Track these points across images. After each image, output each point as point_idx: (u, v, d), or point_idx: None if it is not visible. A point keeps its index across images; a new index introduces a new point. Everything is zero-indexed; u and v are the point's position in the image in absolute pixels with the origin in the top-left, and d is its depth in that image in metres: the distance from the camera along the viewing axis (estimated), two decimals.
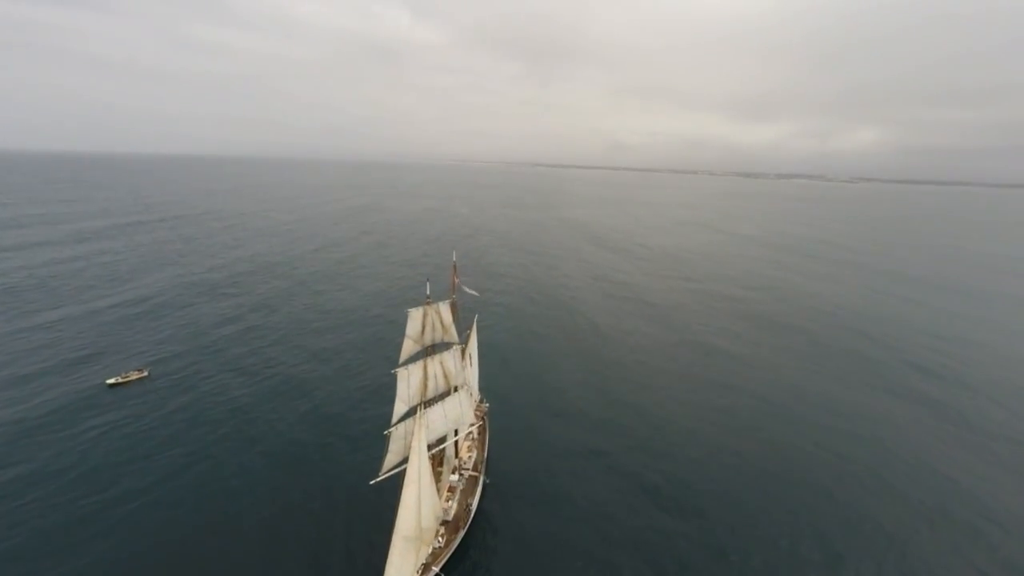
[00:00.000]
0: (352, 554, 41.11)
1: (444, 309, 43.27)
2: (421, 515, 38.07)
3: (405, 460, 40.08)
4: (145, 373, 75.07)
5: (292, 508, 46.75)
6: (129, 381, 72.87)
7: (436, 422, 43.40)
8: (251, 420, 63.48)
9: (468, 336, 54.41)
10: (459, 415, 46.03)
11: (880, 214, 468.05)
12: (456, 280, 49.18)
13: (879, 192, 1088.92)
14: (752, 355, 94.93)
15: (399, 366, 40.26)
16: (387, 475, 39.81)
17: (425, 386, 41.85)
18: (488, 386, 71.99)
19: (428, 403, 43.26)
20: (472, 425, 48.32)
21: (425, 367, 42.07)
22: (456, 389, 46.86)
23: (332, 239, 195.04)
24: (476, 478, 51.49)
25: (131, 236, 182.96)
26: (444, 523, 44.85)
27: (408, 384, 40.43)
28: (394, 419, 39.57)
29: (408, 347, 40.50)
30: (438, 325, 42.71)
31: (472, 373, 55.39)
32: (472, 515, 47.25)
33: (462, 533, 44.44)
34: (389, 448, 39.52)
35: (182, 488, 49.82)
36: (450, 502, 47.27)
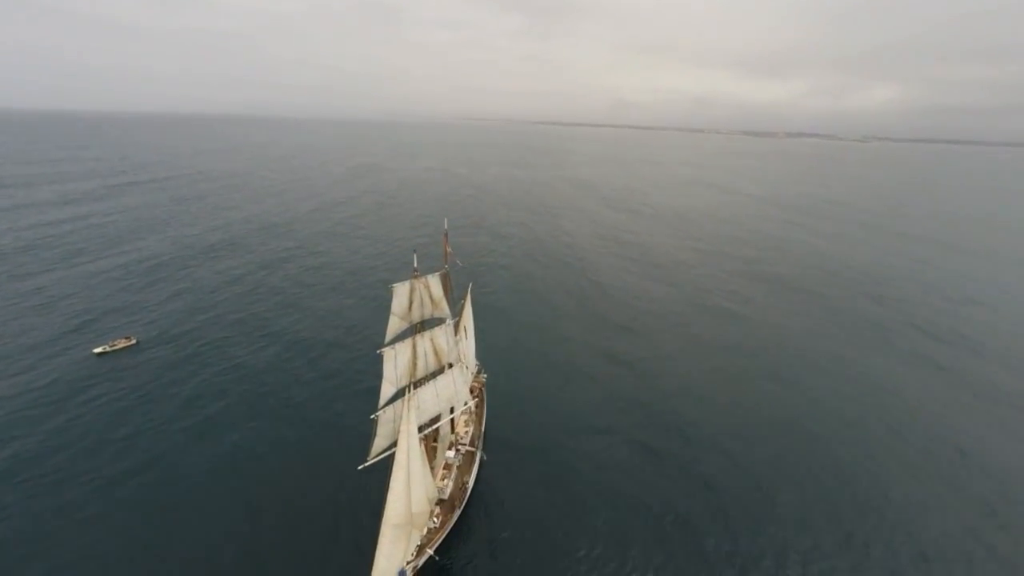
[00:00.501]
0: (343, 541, 39.52)
1: (434, 282, 39.65)
2: (412, 500, 36.07)
3: (395, 444, 37.70)
4: (133, 341, 72.72)
5: (281, 490, 45.03)
6: (117, 350, 70.64)
7: (428, 403, 40.79)
8: (243, 392, 61.45)
9: (462, 306, 51.11)
10: (453, 394, 43.41)
11: (893, 174, 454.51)
12: (448, 250, 45.30)
13: (893, 151, 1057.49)
14: (761, 317, 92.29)
15: (385, 345, 37.12)
16: (376, 459, 37.54)
17: (414, 365, 38.89)
18: (487, 354, 69.55)
19: (418, 383, 40.48)
20: (467, 403, 45.84)
21: (414, 345, 38.96)
22: (450, 366, 44.03)
23: (329, 200, 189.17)
24: (473, 454, 49.64)
25: (119, 198, 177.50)
26: (440, 502, 43.23)
27: (395, 364, 37.45)
28: (381, 402, 36.87)
29: (394, 325, 37.21)
30: (427, 300, 39.23)
31: (468, 346, 52.49)
32: (469, 493, 45.64)
33: (458, 512, 42.83)
34: (377, 432, 37.06)
35: (164, 471, 48.04)
36: (446, 480, 45.52)
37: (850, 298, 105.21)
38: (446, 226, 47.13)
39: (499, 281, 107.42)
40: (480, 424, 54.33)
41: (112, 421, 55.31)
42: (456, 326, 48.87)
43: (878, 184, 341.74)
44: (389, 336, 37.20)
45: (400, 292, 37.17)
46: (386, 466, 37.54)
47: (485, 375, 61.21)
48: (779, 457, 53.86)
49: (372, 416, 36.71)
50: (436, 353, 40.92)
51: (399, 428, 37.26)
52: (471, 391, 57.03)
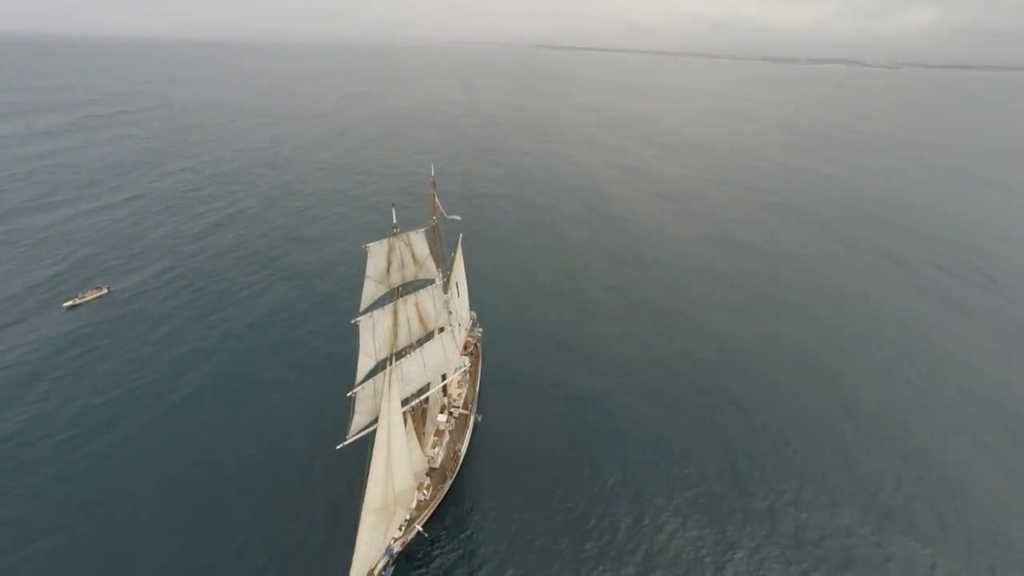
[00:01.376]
0: (321, 527, 36.66)
1: (417, 240, 33.71)
2: (394, 481, 32.84)
3: (376, 420, 33.83)
4: (104, 291, 68.07)
5: (255, 467, 41.91)
6: (88, 301, 66.17)
7: (414, 373, 36.48)
8: (219, 350, 57.58)
9: (452, 260, 45.45)
10: (443, 360, 39.03)
11: (924, 101, 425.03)
12: (436, 200, 38.78)
13: (926, 78, 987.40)
14: (779, 251, 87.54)
15: (360, 314, 31.98)
16: (356, 437, 33.85)
17: (395, 334, 34.02)
18: (485, 301, 65.27)
19: (401, 353, 35.89)
20: (460, 368, 41.65)
21: (395, 312, 33.85)
22: (440, 331, 39.26)
23: (318, 136, 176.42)
24: (467, 417, 46.44)
25: (88, 133, 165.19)
26: (431, 471, 40.46)
27: (373, 335, 32.57)
28: (359, 377, 32.44)
29: (370, 290, 31.84)
30: (409, 260, 33.53)
31: (460, 304, 47.47)
32: (462, 460, 42.86)
33: (450, 482, 40.11)
34: (356, 409, 33.01)
35: (130, 440, 44.84)
36: (437, 449, 42.51)
37: (872, 232, 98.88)
38: (432, 173, 40.20)
39: (501, 215, 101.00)
40: (475, 384, 50.75)
41: (84, 379, 51.98)
42: (446, 284, 43.54)
43: (906, 113, 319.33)
44: (365, 303, 31.97)
45: (376, 252, 31.40)
46: (368, 443, 33.99)
47: (481, 329, 56.82)
48: (798, 398, 51.97)
49: (349, 394, 32.44)
50: (422, 319, 35.93)
51: (380, 404, 33.24)
52: (465, 346, 52.97)
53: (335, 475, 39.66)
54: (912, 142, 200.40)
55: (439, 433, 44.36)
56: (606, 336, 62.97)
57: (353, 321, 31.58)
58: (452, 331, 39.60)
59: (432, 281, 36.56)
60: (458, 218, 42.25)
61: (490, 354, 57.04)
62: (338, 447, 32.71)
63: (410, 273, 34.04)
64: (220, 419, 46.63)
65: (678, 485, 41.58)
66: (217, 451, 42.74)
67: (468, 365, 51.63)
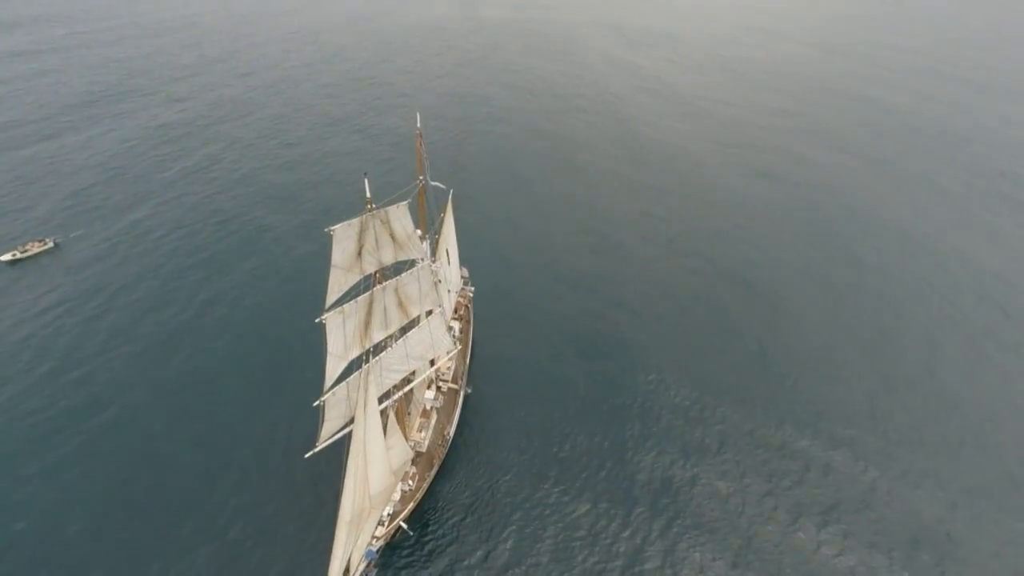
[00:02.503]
0: (292, 538, 33.51)
1: (397, 216, 26.44)
2: (370, 487, 29.26)
3: (351, 421, 29.32)
4: (50, 243, 59.07)
5: (221, 460, 37.74)
6: (31, 255, 57.49)
7: (395, 365, 31.31)
8: (177, 317, 50.73)
9: (441, 222, 38.14)
10: (429, 346, 33.77)
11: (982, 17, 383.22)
12: (422, 155, 30.56)
13: None
14: (812, 180, 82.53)
15: (326, 310, 25.75)
16: (328, 443, 29.51)
17: (370, 327, 28.17)
18: (478, 249, 59.32)
19: (380, 347, 30.35)
20: (451, 350, 36.56)
21: (370, 303, 27.64)
22: (428, 313, 33.46)
23: (298, 68, 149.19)
24: (456, 392, 42.63)
25: (36, 59, 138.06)
26: (417, 455, 37.35)
27: (343, 332, 26.71)
28: (327, 383, 27.14)
29: (337, 280, 25.31)
30: (387, 241, 26.57)
31: (451, 270, 41.11)
32: (451, 442, 39.74)
33: (437, 467, 37.23)
34: (326, 416, 28.19)
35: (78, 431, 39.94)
36: (423, 432, 39.05)
37: (913, 160, 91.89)
38: (419, 124, 31.30)
39: (504, 145, 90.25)
40: (466, 352, 46.25)
41: (25, 343, 46.09)
42: (434, 250, 36.78)
43: (967, 31, 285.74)
44: (331, 296, 25.59)
45: (343, 236, 24.33)
46: (344, 444, 29.81)
47: (472, 289, 51.02)
48: (831, 346, 51.03)
49: (316, 403, 27.33)
50: (403, 305, 29.91)
51: (355, 405, 28.47)
52: (455, 310, 47.67)
53: (306, 481, 35.86)
54: (969, 61, 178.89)
55: (426, 414, 40.63)
56: (622, 285, 58.46)
57: (318, 319, 25.47)
58: (442, 312, 33.79)
59: (417, 261, 29.90)
60: (441, 186, 34.18)
61: (485, 314, 51.95)
62: (307, 455, 28.44)
63: (388, 256, 27.27)
64: (176, 420, 40.83)
65: (693, 458, 39.46)
66: (167, 459, 38.15)
67: (458, 333, 46.76)
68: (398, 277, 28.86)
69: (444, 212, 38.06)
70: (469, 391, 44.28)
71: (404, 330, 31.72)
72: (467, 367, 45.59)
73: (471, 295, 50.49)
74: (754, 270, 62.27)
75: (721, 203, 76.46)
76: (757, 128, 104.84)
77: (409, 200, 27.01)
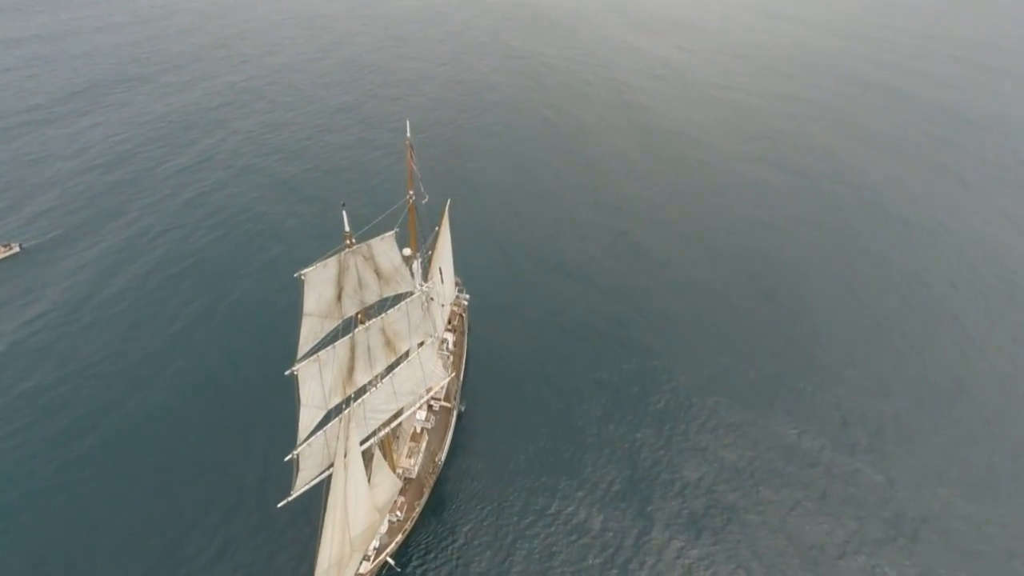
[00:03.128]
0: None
1: (383, 248, 22.56)
2: (350, 530, 26.55)
3: (330, 466, 26.32)
4: (16, 248, 53.63)
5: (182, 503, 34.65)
6: None
7: (381, 405, 28.09)
8: (154, 353, 45.53)
9: (436, 236, 34.14)
10: (420, 381, 30.47)
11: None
12: (413, 170, 26.31)
13: None
14: (829, 169, 78.94)
15: (298, 361, 22.20)
16: (303, 490, 26.52)
17: (352, 371, 24.75)
18: (476, 251, 55.38)
19: (363, 389, 26.99)
20: (444, 379, 33.33)
21: (352, 346, 24.09)
22: (420, 344, 30.01)
23: (296, 52, 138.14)
24: (449, 411, 39.77)
25: (13, 48, 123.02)
26: (407, 481, 34.76)
27: (321, 381, 23.27)
28: (302, 434, 23.85)
29: (312, 329, 21.65)
30: (370, 279, 22.81)
31: (444, 288, 37.33)
32: (442, 467, 37.14)
33: (428, 494, 34.74)
34: (301, 466, 25.07)
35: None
36: (413, 458, 36.32)
37: (934, 150, 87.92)
38: (408, 133, 26.78)
39: (503, 137, 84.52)
40: (459, 367, 43.13)
41: None
42: (427, 270, 32.95)
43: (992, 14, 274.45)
44: (304, 345, 21.96)
45: (317, 281, 20.50)
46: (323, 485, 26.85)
47: (467, 296, 47.39)
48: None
49: (288, 457, 24.12)
50: (391, 344, 26.38)
51: (335, 453, 25.41)
52: (448, 320, 44.23)
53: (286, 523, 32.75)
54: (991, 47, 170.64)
55: (416, 437, 37.80)
56: (633, 285, 55.24)
57: (289, 371, 21.92)
58: (435, 342, 30.36)
59: (404, 296, 26.19)
60: (425, 198, 29.92)
61: (482, 320, 48.59)
62: (280, 505, 25.47)
63: (373, 294, 23.55)
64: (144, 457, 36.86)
65: (720, 493, 37.08)
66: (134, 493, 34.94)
67: (452, 345, 43.50)
68: (384, 314, 25.21)
69: (440, 224, 34.00)
70: (463, 409, 41.45)
71: (392, 366, 28.31)
72: (461, 383, 42.63)
73: (466, 303, 46.92)
74: (771, 268, 59.33)
75: (738, 195, 72.71)
76: (772, 116, 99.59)
77: (396, 229, 23.05)
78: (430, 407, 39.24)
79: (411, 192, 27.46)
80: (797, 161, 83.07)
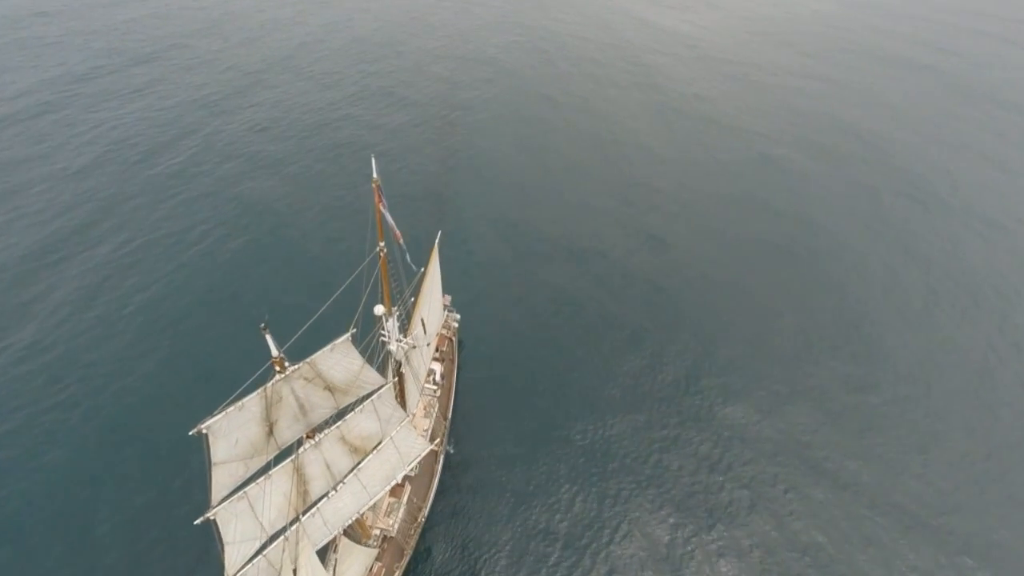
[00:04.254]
0: None
1: (334, 361, 15.90)
2: None
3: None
4: None
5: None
6: None
7: (346, 507, 22.46)
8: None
9: (421, 279, 27.02)
10: (396, 465, 24.70)
11: None
12: (382, 209, 18.95)
13: None
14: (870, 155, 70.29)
15: (214, 506, 16.08)
16: None
17: (304, 495, 18.82)
18: (471, 257, 48.11)
19: (320, 500, 21.15)
20: (423, 453, 27.59)
21: (296, 470, 17.95)
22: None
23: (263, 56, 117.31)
24: (435, 454, 34.58)
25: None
26: (384, 540, 30.17)
27: (255, 515, 17.33)
28: (232, 568, 18.15)
29: (231, 475, 15.38)
30: (320, 397, 16.31)
31: (430, 325, 30.67)
32: (424, 521, 32.48)
33: (409, 556, 30.31)
34: None
35: None
36: (392, 517, 31.45)
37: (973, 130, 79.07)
38: (375, 174, 18.88)
39: (508, 124, 73.02)
40: (448, 401, 37.47)
41: None
42: (407, 326, 26.21)
43: None
44: (219, 492, 15.74)
45: (231, 428, 13.97)
46: None
47: (458, 316, 40.73)
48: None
49: None
50: (359, 450, 20.30)
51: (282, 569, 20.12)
52: (436, 347, 38.03)
53: None
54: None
55: (396, 491, 32.78)
56: (648, 289, 48.20)
57: (200, 519, 15.91)
58: (411, 423, 24.33)
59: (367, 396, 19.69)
60: (411, 264, 22.59)
61: (476, 343, 42.26)
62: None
63: (324, 413, 17.10)
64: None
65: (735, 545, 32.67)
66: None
67: (439, 377, 37.56)
68: (343, 421, 18.91)
69: (427, 264, 26.76)
70: (451, 450, 36.27)
71: (358, 467, 22.37)
72: (450, 420, 37.15)
73: (456, 325, 40.38)
74: (804, 262, 53.02)
75: (764, 178, 64.45)
76: (796, 94, 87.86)
77: (354, 330, 16.19)
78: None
79: (381, 244, 20.30)
80: (827, 139, 73.79)
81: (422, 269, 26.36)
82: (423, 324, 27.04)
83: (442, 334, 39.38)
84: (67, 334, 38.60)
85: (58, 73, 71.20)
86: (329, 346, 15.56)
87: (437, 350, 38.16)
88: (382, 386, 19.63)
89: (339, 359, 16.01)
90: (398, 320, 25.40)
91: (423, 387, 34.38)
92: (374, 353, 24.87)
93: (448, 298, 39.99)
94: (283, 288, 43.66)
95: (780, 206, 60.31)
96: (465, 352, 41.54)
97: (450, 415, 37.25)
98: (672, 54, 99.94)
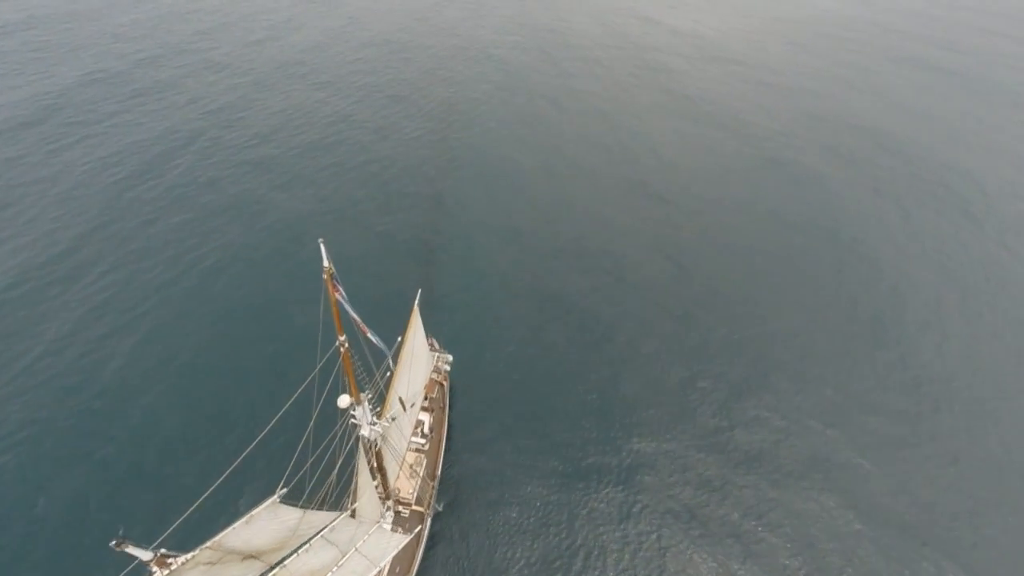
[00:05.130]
0: None
1: (252, 532, 11.86)
2: None
3: None
4: None
5: None
6: None
7: None
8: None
9: (398, 348, 22.83)
10: (367, 569, 20.88)
11: None
12: (339, 305, 14.80)
13: None
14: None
15: None
16: None
17: None
18: (467, 272, 43.62)
19: None
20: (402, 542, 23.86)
21: None
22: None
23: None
24: (421, 516, 30.92)
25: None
26: None
27: None
28: None
29: None
30: (243, 569, 12.33)
31: (411, 384, 26.61)
32: None
33: None
34: None
35: None
36: None
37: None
38: (326, 261, 14.50)
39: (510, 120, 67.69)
40: (438, 456, 33.62)
41: None
42: (380, 410, 22.14)
43: None
44: None
45: None
46: None
47: (450, 358, 36.55)
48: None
49: None
50: None
51: None
52: (425, 396, 34.03)
53: None
54: None
55: None
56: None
57: None
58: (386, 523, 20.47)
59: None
60: (383, 347, 18.40)
61: (468, 385, 38.12)
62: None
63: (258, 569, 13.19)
64: None
65: None
66: None
67: (428, 429, 33.67)
68: (281, 568, 14.99)
69: (406, 332, 22.56)
70: (439, 508, 32.58)
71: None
72: (439, 477, 33.37)
73: (448, 368, 36.26)
74: (819, 272, 48.36)
75: (776, 184, 59.03)
76: (815, 97, 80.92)
77: (283, 489, 12.16)
78: (397, 512, 30.39)
79: (342, 338, 16.20)
80: (851, 145, 67.40)
81: (399, 339, 22.26)
82: (401, 402, 23.04)
83: (432, 379, 35.39)
84: None
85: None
86: (244, 518, 11.63)
87: (426, 398, 34.21)
88: (337, 517, 15.67)
89: (264, 525, 12.11)
90: (371, 402, 21.44)
91: (408, 443, 30.56)
92: (339, 446, 21.02)
93: (433, 342, 36.00)
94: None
95: (795, 214, 54.92)
96: (458, 397, 37.40)
97: (439, 472, 33.43)
98: (682, 55, 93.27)
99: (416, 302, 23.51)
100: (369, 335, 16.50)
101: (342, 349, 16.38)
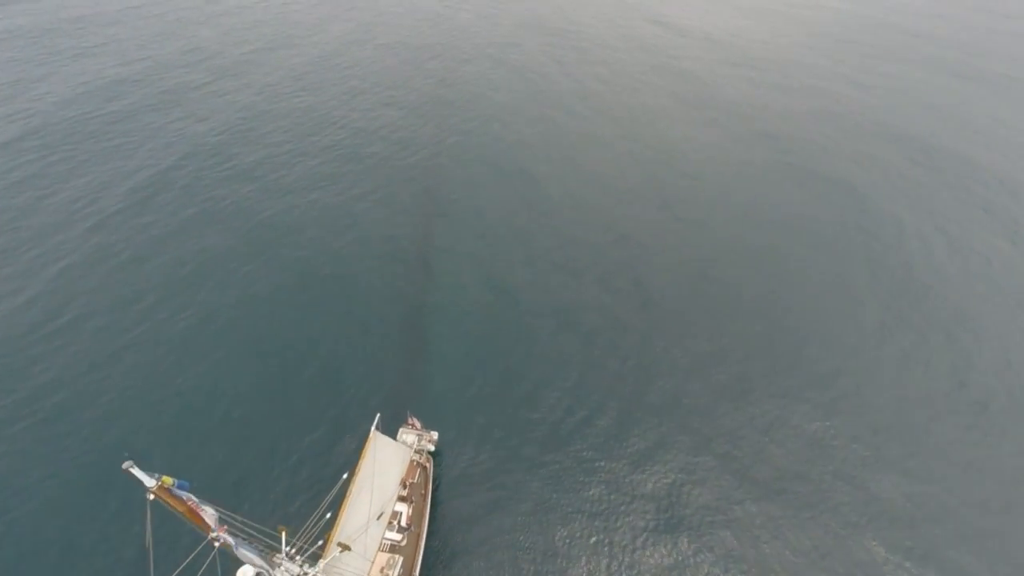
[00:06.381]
0: None
1: None
2: None
3: None
4: None
5: None
6: None
7: None
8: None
9: (345, 482, 17.99)
10: None
11: None
12: (193, 506, 10.27)
13: None
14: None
15: None
16: None
17: None
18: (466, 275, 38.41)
19: None
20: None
21: None
22: None
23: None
24: None
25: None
26: None
27: None
28: None
29: None
30: None
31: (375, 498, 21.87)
32: None
33: None
34: None
35: None
36: None
37: None
38: (148, 480, 9.68)
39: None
40: (415, 557, 28.85)
41: None
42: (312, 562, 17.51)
43: None
44: None
45: None
46: None
47: (435, 437, 31.54)
48: None
49: None
50: None
51: None
52: (402, 484, 29.13)
53: None
54: None
55: None
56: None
57: None
58: None
59: None
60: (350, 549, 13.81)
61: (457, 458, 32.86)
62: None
63: None
64: None
65: None
66: None
67: (406, 522, 28.99)
68: None
69: (355, 468, 17.77)
70: None
71: None
72: (420, 562, 28.64)
73: (432, 448, 31.37)
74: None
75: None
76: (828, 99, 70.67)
77: None
78: None
79: (213, 533, 11.63)
80: (878, 149, 59.22)
81: (344, 476, 17.48)
82: (341, 548, 18.27)
83: (413, 461, 30.80)
84: None
85: None
86: None
87: (404, 486, 29.61)
88: None
89: None
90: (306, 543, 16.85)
91: (381, 542, 26.06)
92: None
93: (416, 421, 31.34)
94: None
95: (818, 223, 48.85)
96: (443, 475, 32.44)
97: (419, 565, 28.86)
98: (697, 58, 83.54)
99: (374, 427, 18.59)
100: (233, 537, 11.67)
101: (216, 544, 11.86)
